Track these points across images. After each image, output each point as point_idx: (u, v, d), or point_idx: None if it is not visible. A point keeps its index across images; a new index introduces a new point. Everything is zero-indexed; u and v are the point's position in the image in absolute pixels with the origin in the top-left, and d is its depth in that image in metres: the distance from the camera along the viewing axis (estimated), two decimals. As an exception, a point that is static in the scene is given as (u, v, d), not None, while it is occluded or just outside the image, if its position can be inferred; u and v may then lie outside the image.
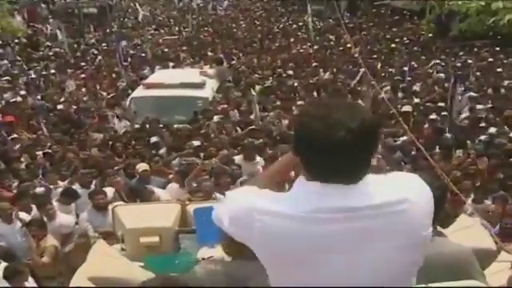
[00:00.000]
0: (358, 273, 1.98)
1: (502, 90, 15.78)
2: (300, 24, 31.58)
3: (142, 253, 4.63)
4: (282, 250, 2.01)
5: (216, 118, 12.85)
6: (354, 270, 1.98)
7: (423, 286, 2.81)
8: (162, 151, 11.05)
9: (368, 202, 1.96)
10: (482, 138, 11.07)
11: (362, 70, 16.02)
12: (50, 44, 27.01)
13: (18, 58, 23.40)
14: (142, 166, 9.39)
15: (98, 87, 17.60)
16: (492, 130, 11.57)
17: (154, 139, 11.52)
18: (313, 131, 1.94)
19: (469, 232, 4.52)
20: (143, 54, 23.71)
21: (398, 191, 2.01)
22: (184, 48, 25.15)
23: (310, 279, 2.01)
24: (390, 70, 19.55)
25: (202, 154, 10.21)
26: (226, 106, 14.12)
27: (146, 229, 4.73)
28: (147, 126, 12.76)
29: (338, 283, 1.99)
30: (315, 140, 1.94)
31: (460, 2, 15.63)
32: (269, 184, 2.26)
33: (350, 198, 1.96)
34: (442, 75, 17.35)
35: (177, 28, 32.72)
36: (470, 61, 19.67)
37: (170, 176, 9.47)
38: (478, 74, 18.19)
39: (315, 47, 24.28)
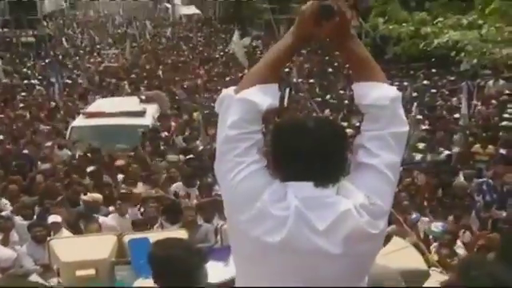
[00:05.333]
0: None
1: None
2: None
3: (79, 286, 4.60)
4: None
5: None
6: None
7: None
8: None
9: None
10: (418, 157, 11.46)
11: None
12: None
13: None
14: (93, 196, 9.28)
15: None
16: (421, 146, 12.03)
17: (90, 168, 11.36)
18: (285, 140, 2.16)
19: (401, 253, 4.67)
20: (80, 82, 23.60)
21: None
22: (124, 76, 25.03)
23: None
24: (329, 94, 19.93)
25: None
26: (166, 133, 14.17)
27: (82, 262, 4.71)
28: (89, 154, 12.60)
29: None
30: (289, 146, 2.15)
31: (391, 27, 16.19)
32: (270, 72, 2.27)
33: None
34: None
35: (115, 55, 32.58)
36: (406, 83, 20.23)
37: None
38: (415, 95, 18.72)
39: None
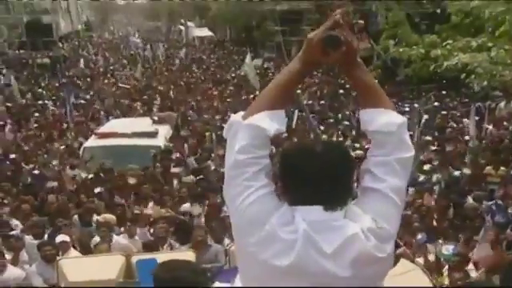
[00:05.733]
0: None
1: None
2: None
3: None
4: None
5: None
6: None
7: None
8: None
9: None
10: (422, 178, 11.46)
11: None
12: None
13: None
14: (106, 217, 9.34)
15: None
16: (426, 167, 12.00)
17: (97, 189, 11.41)
18: (294, 164, 2.18)
19: (408, 276, 4.67)
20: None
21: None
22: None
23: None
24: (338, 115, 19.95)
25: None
26: (178, 155, 14.23)
27: (90, 282, 4.74)
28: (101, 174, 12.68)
29: None
30: (297, 170, 2.16)
31: (401, 50, 16.31)
32: (280, 93, 2.30)
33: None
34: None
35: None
36: (416, 105, 20.23)
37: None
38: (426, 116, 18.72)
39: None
